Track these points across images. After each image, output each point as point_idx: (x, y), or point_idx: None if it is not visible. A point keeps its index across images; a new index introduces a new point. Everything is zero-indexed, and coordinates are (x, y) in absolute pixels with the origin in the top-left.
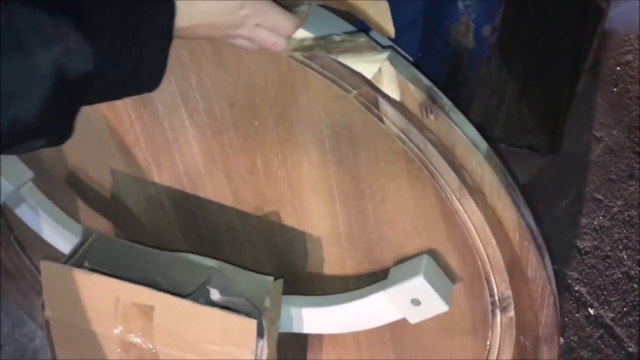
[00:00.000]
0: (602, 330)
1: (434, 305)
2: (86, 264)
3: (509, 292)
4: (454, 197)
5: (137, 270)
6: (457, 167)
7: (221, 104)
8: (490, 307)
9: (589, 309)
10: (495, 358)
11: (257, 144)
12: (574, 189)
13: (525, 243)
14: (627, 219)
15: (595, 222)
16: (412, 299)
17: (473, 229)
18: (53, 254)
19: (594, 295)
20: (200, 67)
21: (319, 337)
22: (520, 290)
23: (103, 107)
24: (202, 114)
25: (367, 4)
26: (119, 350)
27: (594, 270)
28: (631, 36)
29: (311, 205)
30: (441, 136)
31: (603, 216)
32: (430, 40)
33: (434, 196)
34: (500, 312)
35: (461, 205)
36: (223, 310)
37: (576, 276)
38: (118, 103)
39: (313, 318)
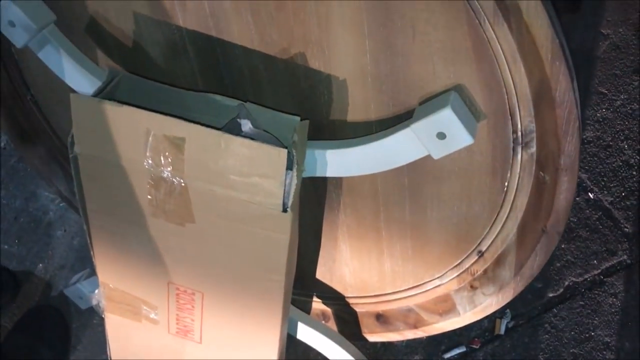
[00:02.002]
0: (600, 213)
1: (459, 137)
2: (114, 98)
3: (533, 126)
4: (487, 23)
5: (162, 107)
6: None
7: None
8: (512, 145)
9: (589, 194)
10: (512, 198)
11: None
12: (579, 82)
13: (557, 63)
14: (630, 111)
15: (598, 114)
16: (438, 133)
17: (503, 58)
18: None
19: (594, 181)
20: None
21: (337, 190)
22: (545, 119)
23: None
24: None
25: None
26: (148, 185)
27: (595, 159)
28: None
29: (339, 43)
30: None
31: (606, 109)
32: None
33: (466, 24)
34: (522, 148)
35: (494, 32)
36: (253, 140)
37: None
38: None
39: (337, 160)
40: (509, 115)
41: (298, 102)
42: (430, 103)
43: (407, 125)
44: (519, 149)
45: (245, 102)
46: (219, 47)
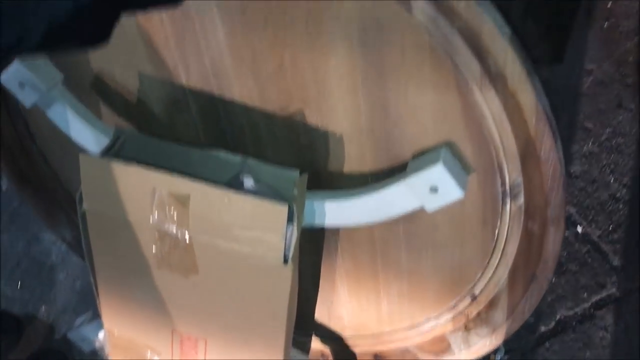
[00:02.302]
0: (589, 246)
1: (450, 192)
2: (121, 156)
3: (520, 179)
4: (475, 87)
5: (167, 165)
6: (481, 54)
7: (254, 1)
8: (501, 196)
9: (578, 227)
10: (502, 246)
11: (286, 41)
12: (565, 118)
13: (541, 125)
14: (615, 145)
15: (584, 149)
16: (431, 187)
17: (491, 118)
18: (75, 162)
19: (582, 215)
20: None
21: (335, 236)
22: (532, 175)
23: None
24: (234, 12)
25: None
26: (154, 239)
27: (583, 192)
28: None
29: (336, 102)
30: (470, 21)
31: (592, 143)
32: None
33: (455, 88)
34: (511, 200)
35: (481, 95)
36: (255, 197)
37: (565, 180)
38: None
39: (335, 211)
40: (497, 170)
41: (297, 155)
42: (422, 158)
43: (401, 179)
44: (508, 201)
45: (247, 157)
46: (220, 104)
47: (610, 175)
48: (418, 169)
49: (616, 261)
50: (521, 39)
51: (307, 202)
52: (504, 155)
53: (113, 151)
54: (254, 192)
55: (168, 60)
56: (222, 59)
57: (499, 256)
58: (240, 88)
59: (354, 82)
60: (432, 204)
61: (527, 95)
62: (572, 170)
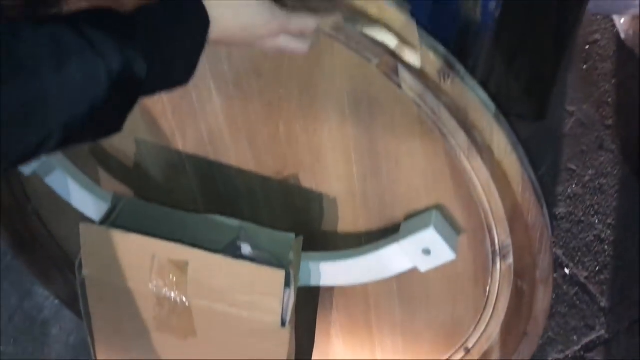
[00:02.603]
0: (577, 288)
1: (442, 254)
2: (120, 224)
3: (509, 241)
4: (462, 156)
5: (165, 231)
6: (468, 128)
7: (249, 75)
8: (491, 256)
9: (565, 269)
10: (494, 303)
11: (281, 111)
12: (549, 159)
13: (527, 194)
14: (598, 186)
15: (569, 190)
16: (423, 249)
17: (479, 185)
18: (71, 222)
19: (569, 257)
20: None
21: (330, 291)
22: (520, 238)
23: None
24: (230, 85)
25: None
26: (153, 304)
27: (569, 234)
28: (598, 16)
29: (329, 167)
30: (456, 99)
31: (576, 184)
32: (440, 13)
33: (444, 156)
34: (500, 259)
35: (469, 163)
36: (253, 262)
37: (553, 240)
38: None
39: (330, 271)
40: (486, 231)
41: (292, 216)
42: (414, 220)
43: (395, 241)
44: (498, 260)
45: (243, 221)
46: (217, 168)
47: (595, 217)
48: (411, 231)
49: (604, 302)
50: (504, 96)
51: (303, 263)
52: (493, 218)
53: (112, 218)
54: (252, 258)
55: (165, 128)
56: (219, 127)
57: (490, 312)
58: (237, 154)
59: (347, 149)
60: (425, 265)
61: (513, 167)
62: (557, 212)
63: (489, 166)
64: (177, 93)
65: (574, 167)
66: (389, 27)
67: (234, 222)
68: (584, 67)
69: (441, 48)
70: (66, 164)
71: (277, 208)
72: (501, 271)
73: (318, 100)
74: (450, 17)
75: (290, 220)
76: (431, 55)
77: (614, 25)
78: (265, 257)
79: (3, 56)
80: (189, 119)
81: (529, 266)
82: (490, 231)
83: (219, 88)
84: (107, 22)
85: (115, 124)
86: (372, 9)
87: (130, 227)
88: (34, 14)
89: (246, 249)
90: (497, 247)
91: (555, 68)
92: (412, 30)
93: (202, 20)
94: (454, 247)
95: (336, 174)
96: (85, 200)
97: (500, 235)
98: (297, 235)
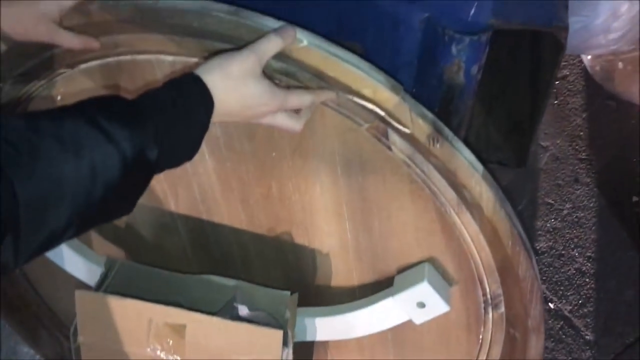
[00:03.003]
0: (562, 322)
1: (436, 306)
2: (115, 289)
3: (500, 291)
4: (452, 212)
5: (160, 294)
6: (457, 186)
7: (241, 139)
8: (482, 305)
9: (549, 304)
10: (487, 350)
11: (273, 172)
12: (527, 195)
13: (517, 248)
14: (576, 220)
15: (548, 225)
16: (418, 302)
17: (469, 238)
18: (60, 283)
19: (552, 291)
20: None
21: (324, 342)
22: (511, 288)
23: None
24: (222, 148)
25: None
26: None
27: (551, 268)
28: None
29: (322, 224)
30: (445, 161)
31: (555, 219)
32: (425, 77)
33: (434, 212)
34: (492, 309)
35: (459, 219)
36: (250, 324)
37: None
38: None
39: (326, 326)
40: (478, 282)
41: (285, 271)
42: (408, 273)
43: (390, 295)
44: (490, 309)
45: (238, 281)
46: (209, 227)
47: (575, 250)
48: (405, 285)
49: (589, 335)
50: (485, 144)
51: (298, 319)
52: (484, 269)
53: (106, 283)
54: (249, 319)
55: (157, 189)
56: (211, 187)
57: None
58: (229, 213)
59: (339, 207)
60: (420, 317)
61: (502, 223)
62: (538, 247)
63: (478, 221)
64: None
65: (551, 202)
66: (380, 106)
67: (229, 282)
68: (555, 102)
69: (429, 114)
70: None
71: (270, 264)
72: (493, 320)
73: (310, 161)
74: (435, 81)
75: (283, 275)
76: (420, 122)
77: (581, 61)
78: (262, 317)
79: (24, 150)
80: (181, 181)
81: (521, 315)
82: (481, 282)
83: (211, 151)
84: (118, 110)
85: (127, 206)
86: (366, 91)
87: (125, 291)
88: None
89: (243, 310)
90: (488, 297)
91: (533, 118)
92: (403, 107)
93: (207, 104)
94: (447, 299)
95: (328, 230)
96: (78, 264)
97: (492, 285)
98: (291, 293)
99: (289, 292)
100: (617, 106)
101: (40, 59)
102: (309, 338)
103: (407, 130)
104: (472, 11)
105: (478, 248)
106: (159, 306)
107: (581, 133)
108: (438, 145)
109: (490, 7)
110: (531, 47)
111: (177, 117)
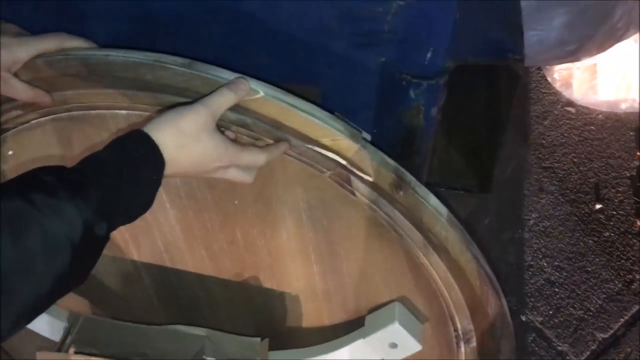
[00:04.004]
0: (533, 334)
1: (409, 346)
2: (79, 347)
3: (471, 327)
4: (419, 253)
5: (126, 346)
6: (423, 230)
7: (202, 188)
8: (454, 340)
9: (520, 316)
10: None
11: (236, 219)
12: (493, 206)
13: (485, 287)
14: (543, 229)
15: (516, 236)
16: (390, 343)
17: (437, 278)
18: (25, 337)
19: (522, 303)
20: None
21: None
22: (482, 324)
23: None
24: (183, 196)
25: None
26: None
27: (520, 280)
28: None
29: (289, 268)
30: (410, 207)
31: (521, 229)
32: (383, 119)
33: (401, 253)
34: (464, 343)
35: (427, 259)
36: None
37: (504, 287)
38: None
39: None
40: (449, 319)
41: (253, 314)
42: (378, 313)
43: (361, 337)
44: (462, 344)
45: (206, 330)
46: (173, 275)
47: (543, 260)
48: (376, 327)
49: (561, 346)
50: (449, 172)
51: None
52: (454, 306)
53: (69, 340)
54: None
55: (118, 239)
56: (174, 236)
57: None
58: (193, 260)
59: (306, 251)
60: (393, 357)
61: (469, 264)
62: (506, 259)
63: (445, 262)
64: None
65: (518, 212)
66: (341, 155)
67: (197, 331)
68: (517, 111)
69: (391, 162)
70: None
71: (238, 307)
72: (466, 354)
73: (273, 207)
74: (394, 123)
75: (252, 318)
76: (383, 170)
77: (540, 69)
78: None
79: None
80: (142, 230)
81: (493, 349)
82: (452, 318)
83: (172, 200)
84: (58, 184)
85: (81, 278)
86: (325, 140)
87: (90, 348)
88: None
89: None
90: (460, 332)
91: (494, 147)
92: (364, 156)
93: (157, 164)
94: (419, 337)
95: (296, 273)
96: (43, 321)
97: (462, 321)
98: (262, 338)
99: (258, 339)
100: (577, 113)
101: None
102: None
103: (369, 178)
104: (428, 55)
105: (447, 287)
106: None
107: (543, 141)
108: (402, 193)
109: (445, 49)
110: (488, 78)
111: (124, 180)
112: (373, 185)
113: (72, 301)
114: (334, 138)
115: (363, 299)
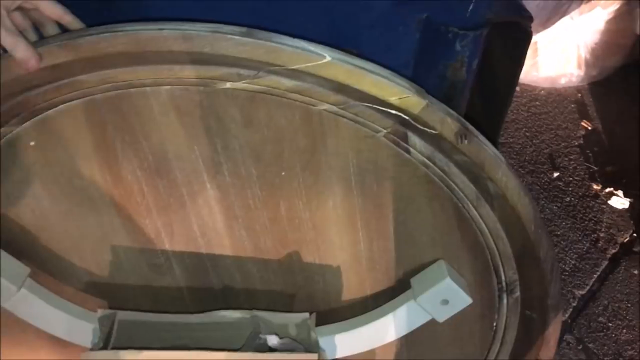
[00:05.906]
0: None
1: (460, 301)
2: (121, 344)
3: (516, 277)
4: (470, 206)
5: (173, 340)
6: (479, 180)
7: (247, 162)
8: (497, 293)
9: None
10: (501, 336)
11: (282, 192)
12: None
13: (539, 231)
14: None
15: None
16: (442, 300)
17: (486, 230)
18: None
19: None
20: (227, 131)
21: None
22: (530, 272)
23: (110, 185)
24: (226, 174)
25: None
26: None
27: None
28: None
29: (334, 239)
30: (473, 157)
31: None
32: (423, 77)
33: (451, 209)
34: (507, 295)
35: (477, 212)
36: (284, 352)
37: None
38: (129, 177)
39: (347, 341)
40: (493, 272)
41: (292, 293)
42: (425, 273)
43: (411, 299)
44: (504, 296)
45: (251, 312)
46: (209, 261)
47: None
48: (425, 286)
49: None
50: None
51: (320, 339)
52: (500, 258)
53: (114, 339)
54: (280, 348)
55: (149, 228)
56: (212, 218)
57: (498, 345)
58: (232, 243)
59: (353, 218)
60: (443, 315)
61: (526, 208)
62: None
63: (497, 212)
64: (165, 190)
65: None
66: (407, 112)
67: (241, 314)
68: None
69: (454, 113)
70: (40, 291)
71: (276, 287)
72: (508, 305)
73: (322, 176)
74: (435, 80)
75: (290, 298)
76: (448, 121)
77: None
78: (291, 344)
79: None
80: (178, 216)
81: (539, 296)
82: (497, 271)
83: (213, 179)
84: None
85: None
86: (393, 99)
87: (130, 342)
88: None
89: (272, 339)
90: (503, 284)
91: (504, 104)
92: (430, 110)
93: None
94: (467, 291)
95: (340, 243)
96: (71, 326)
97: (507, 272)
98: (310, 314)
99: (307, 314)
100: (521, 90)
101: (9, 103)
102: (329, 357)
103: (434, 132)
104: (470, 7)
105: (495, 238)
106: (180, 353)
107: None
108: (466, 142)
109: (486, 4)
110: (503, 35)
111: None
112: (434, 139)
113: (87, 300)
114: (402, 96)
115: (407, 262)
